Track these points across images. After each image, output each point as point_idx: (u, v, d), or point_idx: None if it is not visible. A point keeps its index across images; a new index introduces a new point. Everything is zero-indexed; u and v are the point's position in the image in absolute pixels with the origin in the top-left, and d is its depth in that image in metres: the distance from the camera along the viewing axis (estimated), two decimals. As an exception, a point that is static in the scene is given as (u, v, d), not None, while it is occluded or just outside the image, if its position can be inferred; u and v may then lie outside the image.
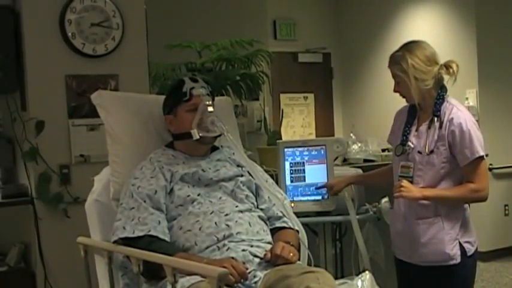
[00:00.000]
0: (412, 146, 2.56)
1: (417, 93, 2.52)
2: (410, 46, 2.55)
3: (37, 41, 3.39)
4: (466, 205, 2.61)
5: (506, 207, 6.11)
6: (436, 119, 2.52)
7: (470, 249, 2.54)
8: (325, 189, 2.95)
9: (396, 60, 2.54)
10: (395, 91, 2.60)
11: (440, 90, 2.55)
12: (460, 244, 2.52)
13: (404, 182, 2.50)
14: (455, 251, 2.51)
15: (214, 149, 2.43)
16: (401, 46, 2.58)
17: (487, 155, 2.53)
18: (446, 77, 2.56)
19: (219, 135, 2.36)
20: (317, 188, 2.95)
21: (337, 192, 2.92)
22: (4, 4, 3.47)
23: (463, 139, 2.46)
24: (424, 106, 2.57)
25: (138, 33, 3.66)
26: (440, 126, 2.50)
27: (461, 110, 2.52)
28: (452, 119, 2.49)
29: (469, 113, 2.54)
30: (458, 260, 2.51)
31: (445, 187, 2.52)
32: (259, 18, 5.80)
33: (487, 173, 2.54)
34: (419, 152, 2.53)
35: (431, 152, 2.50)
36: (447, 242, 2.51)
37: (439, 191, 2.51)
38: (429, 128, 2.53)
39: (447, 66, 2.52)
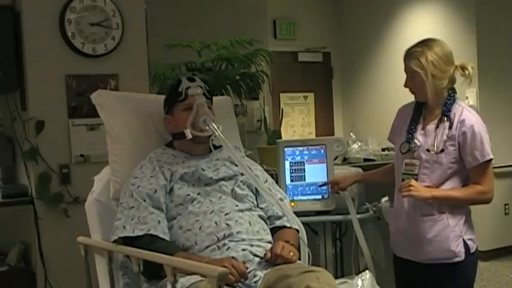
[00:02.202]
0: (419, 144, 2.55)
1: (432, 91, 2.51)
2: (429, 43, 2.54)
3: (37, 41, 3.39)
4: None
5: (507, 207, 6.11)
6: (445, 118, 2.52)
7: (473, 247, 2.55)
8: (328, 186, 2.93)
9: (415, 56, 2.52)
10: (406, 86, 2.59)
11: (451, 91, 2.55)
12: (464, 241, 2.53)
13: (413, 182, 2.49)
14: (460, 248, 2.51)
15: (216, 147, 2.43)
16: (419, 42, 2.56)
17: None
18: (460, 79, 2.57)
19: (211, 135, 2.34)
20: (321, 186, 2.94)
21: (343, 188, 2.88)
22: (4, 4, 3.47)
23: (474, 141, 2.47)
24: (432, 105, 2.57)
25: (137, 32, 3.66)
26: (450, 127, 2.50)
27: (471, 112, 2.54)
28: (463, 120, 2.49)
29: (478, 116, 2.55)
30: (463, 257, 2.51)
31: (450, 187, 2.52)
32: (259, 17, 5.80)
33: (492, 175, 2.54)
34: (427, 150, 2.53)
35: (441, 151, 2.50)
36: (452, 239, 2.51)
37: (448, 191, 2.51)
38: (437, 127, 2.53)
39: (463, 67, 2.53)
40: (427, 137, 2.55)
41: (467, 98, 5.89)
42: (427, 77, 2.49)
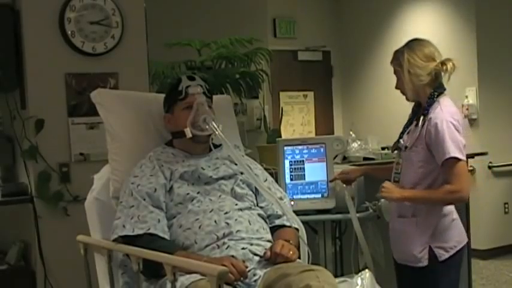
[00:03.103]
0: (402, 142, 2.62)
1: (410, 88, 2.55)
2: (412, 43, 2.59)
3: (37, 40, 3.39)
4: (450, 210, 2.58)
5: (506, 206, 6.11)
6: (422, 117, 2.55)
7: (442, 255, 2.53)
8: (328, 185, 2.94)
9: (396, 56, 2.59)
10: (396, 87, 2.64)
11: (436, 89, 2.56)
12: (431, 248, 2.53)
13: (386, 183, 2.58)
14: (423, 255, 2.53)
15: (216, 146, 2.42)
16: (405, 43, 2.61)
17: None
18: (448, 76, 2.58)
19: (211, 134, 2.33)
20: (331, 181, 2.93)
21: (352, 180, 2.90)
22: (4, 3, 3.47)
23: (437, 139, 2.47)
24: (422, 104, 2.60)
25: (137, 31, 3.66)
26: (423, 125, 2.53)
27: (444, 109, 2.51)
28: (430, 118, 2.51)
29: (452, 113, 2.51)
30: (425, 263, 2.53)
31: (425, 187, 2.54)
32: (259, 16, 5.80)
33: (466, 174, 2.49)
34: (399, 148, 2.62)
35: (408, 148, 2.56)
36: (416, 244, 2.55)
37: (417, 192, 2.55)
38: (416, 126, 2.58)
39: (443, 63, 2.54)
40: (408, 136, 2.61)
41: (466, 96, 5.89)
42: (403, 74, 2.54)
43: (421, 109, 2.59)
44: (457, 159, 2.44)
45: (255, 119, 5.56)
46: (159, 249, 1.95)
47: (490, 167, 5.91)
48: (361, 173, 2.93)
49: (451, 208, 2.58)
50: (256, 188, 2.36)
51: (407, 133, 2.63)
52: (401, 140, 2.63)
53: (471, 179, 2.50)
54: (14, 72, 3.43)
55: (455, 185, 2.45)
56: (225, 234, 2.14)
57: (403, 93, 2.62)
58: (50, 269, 3.38)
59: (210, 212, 2.20)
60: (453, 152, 2.43)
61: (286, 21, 7.12)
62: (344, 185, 2.90)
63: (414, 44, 2.58)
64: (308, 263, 2.28)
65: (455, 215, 2.60)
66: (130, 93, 2.76)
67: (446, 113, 2.49)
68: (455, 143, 2.44)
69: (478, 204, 5.53)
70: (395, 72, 2.61)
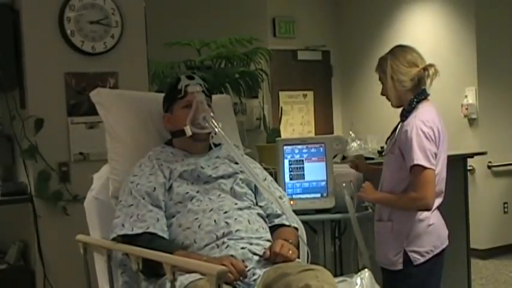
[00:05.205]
0: (385, 147, 2.73)
1: (394, 94, 2.60)
2: (395, 50, 2.64)
3: (36, 39, 3.39)
4: (426, 215, 2.58)
5: (506, 205, 6.11)
6: (401, 124, 2.61)
7: (417, 259, 2.55)
8: (327, 185, 2.95)
9: (380, 63, 2.65)
10: (381, 94, 2.69)
11: (417, 95, 2.58)
12: (405, 252, 2.56)
13: (366, 183, 2.65)
14: (397, 258, 2.57)
15: (216, 146, 2.41)
16: (389, 50, 2.66)
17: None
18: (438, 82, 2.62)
19: (211, 132, 2.32)
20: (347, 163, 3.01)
21: (363, 170, 2.94)
22: (3, 2, 3.47)
23: (406, 146, 2.50)
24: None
25: (137, 31, 3.66)
26: (399, 131, 2.58)
27: (418, 117, 2.53)
28: (403, 125, 2.56)
29: (425, 121, 2.52)
30: (400, 267, 2.57)
31: (400, 192, 2.58)
32: (259, 15, 5.79)
33: (431, 182, 2.48)
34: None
35: (384, 153, 2.66)
36: (391, 247, 2.59)
37: (387, 195, 2.61)
38: (394, 131, 2.66)
39: (425, 68, 2.57)
40: (389, 142, 2.68)
41: (466, 96, 5.90)
42: (387, 81, 2.59)
43: (401, 115, 2.62)
44: (423, 167, 2.46)
45: (254, 119, 5.56)
46: (158, 249, 1.95)
47: (489, 167, 5.92)
48: (366, 168, 2.97)
49: (427, 213, 2.57)
50: (255, 187, 2.36)
51: (390, 138, 2.69)
52: (385, 145, 2.71)
53: (435, 187, 2.48)
54: (13, 72, 3.43)
55: (418, 192, 2.48)
56: (224, 233, 2.14)
57: (388, 99, 2.66)
58: (50, 268, 3.38)
59: (210, 211, 2.20)
60: (419, 159, 2.45)
61: (286, 21, 7.12)
62: (344, 184, 2.92)
63: (397, 50, 2.63)
64: (307, 262, 2.28)
65: (433, 220, 2.60)
66: (130, 93, 2.77)
67: (418, 120, 2.52)
68: (422, 151, 2.46)
69: (478, 204, 5.53)
70: (380, 79, 2.66)
